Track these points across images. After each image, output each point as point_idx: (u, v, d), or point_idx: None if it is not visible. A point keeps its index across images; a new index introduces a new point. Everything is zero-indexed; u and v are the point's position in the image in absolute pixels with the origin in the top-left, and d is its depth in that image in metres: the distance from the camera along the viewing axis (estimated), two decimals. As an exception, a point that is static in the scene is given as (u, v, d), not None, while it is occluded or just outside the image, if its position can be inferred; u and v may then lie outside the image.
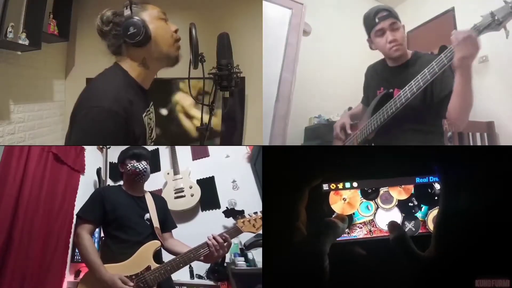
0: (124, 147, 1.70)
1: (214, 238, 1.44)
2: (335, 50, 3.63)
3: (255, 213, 1.58)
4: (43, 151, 2.08)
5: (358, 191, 0.75)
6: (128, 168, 1.63)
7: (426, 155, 0.72)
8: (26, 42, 2.38)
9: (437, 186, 0.74)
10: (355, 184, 0.74)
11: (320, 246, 0.65)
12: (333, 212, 0.75)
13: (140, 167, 1.62)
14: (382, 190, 0.75)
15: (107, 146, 2.92)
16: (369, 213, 0.75)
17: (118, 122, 1.06)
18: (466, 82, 1.41)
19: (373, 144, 1.79)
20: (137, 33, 1.15)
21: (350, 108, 2.94)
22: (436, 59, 1.46)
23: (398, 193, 0.75)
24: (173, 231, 1.71)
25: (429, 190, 0.74)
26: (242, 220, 1.56)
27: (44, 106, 2.92)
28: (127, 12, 1.17)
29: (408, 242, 0.68)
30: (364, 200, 0.75)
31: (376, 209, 0.75)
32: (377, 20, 1.70)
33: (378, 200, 0.75)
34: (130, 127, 1.11)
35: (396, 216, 0.75)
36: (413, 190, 0.75)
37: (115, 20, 1.19)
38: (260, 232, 1.58)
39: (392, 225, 0.72)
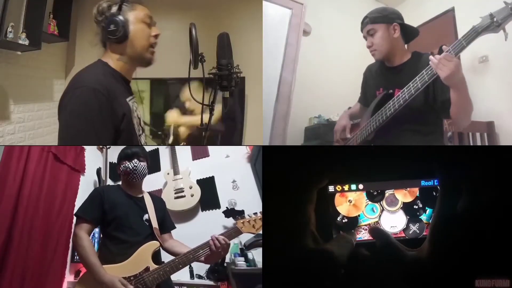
0: (122, 147, 1.69)
1: (216, 239, 1.44)
2: (335, 50, 3.63)
3: (255, 213, 1.58)
4: (43, 151, 2.08)
5: (364, 194, 0.75)
6: (121, 169, 1.63)
7: (430, 156, 0.72)
8: (26, 42, 2.38)
9: None
10: (360, 186, 0.75)
11: (339, 257, 0.66)
12: (339, 214, 0.75)
13: (130, 166, 1.61)
14: (388, 193, 0.75)
15: (107, 146, 2.92)
16: (374, 215, 0.76)
17: (101, 99, 1.13)
18: (460, 94, 1.45)
19: (372, 144, 1.78)
20: (115, 31, 1.23)
21: (349, 109, 2.94)
22: (419, 74, 1.49)
23: (403, 195, 0.75)
24: (173, 231, 1.71)
25: (434, 193, 0.74)
26: (241, 221, 1.55)
27: (44, 106, 2.92)
28: (115, 8, 1.25)
29: (395, 244, 0.69)
30: (370, 203, 0.76)
31: (381, 212, 0.76)
32: (361, 27, 1.79)
33: (383, 203, 0.76)
34: (113, 106, 1.16)
35: (401, 218, 0.75)
36: (418, 193, 0.75)
37: (107, 14, 1.26)
38: (260, 232, 1.58)
39: (374, 231, 0.74)
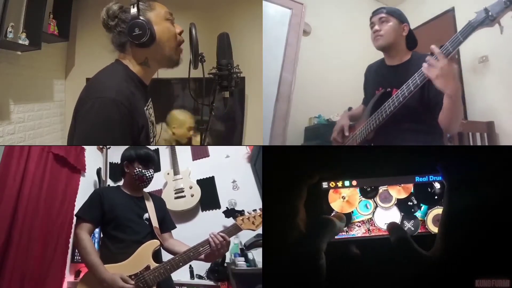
0: (124, 147, 1.69)
1: (215, 236, 1.44)
2: (335, 50, 3.63)
3: (254, 210, 1.58)
4: (43, 151, 2.08)
5: (357, 190, 0.75)
6: (136, 173, 1.61)
7: (428, 155, 0.71)
8: (26, 42, 2.38)
9: (437, 185, 0.73)
10: (354, 183, 0.74)
11: (317, 244, 0.65)
12: (332, 210, 0.74)
13: (147, 175, 1.61)
14: (381, 189, 0.74)
15: (107, 146, 2.92)
16: (368, 211, 0.75)
17: (123, 111, 1.08)
18: (453, 102, 1.45)
19: (372, 144, 1.78)
20: (142, 35, 1.14)
21: (350, 109, 2.94)
22: (418, 71, 1.50)
23: (397, 192, 0.74)
24: (173, 231, 1.71)
25: (429, 190, 0.73)
26: (241, 218, 1.55)
27: (44, 106, 2.92)
28: (133, 10, 1.15)
29: (411, 243, 0.67)
30: (363, 199, 0.75)
31: (375, 208, 0.75)
32: (371, 15, 1.81)
33: (377, 199, 0.75)
34: (133, 117, 1.12)
35: (395, 215, 0.74)
36: (412, 189, 0.74)
37: (121, 16, 1.19)
38: (260, 229, 1.58)
39: (392, 226, 0.72)
